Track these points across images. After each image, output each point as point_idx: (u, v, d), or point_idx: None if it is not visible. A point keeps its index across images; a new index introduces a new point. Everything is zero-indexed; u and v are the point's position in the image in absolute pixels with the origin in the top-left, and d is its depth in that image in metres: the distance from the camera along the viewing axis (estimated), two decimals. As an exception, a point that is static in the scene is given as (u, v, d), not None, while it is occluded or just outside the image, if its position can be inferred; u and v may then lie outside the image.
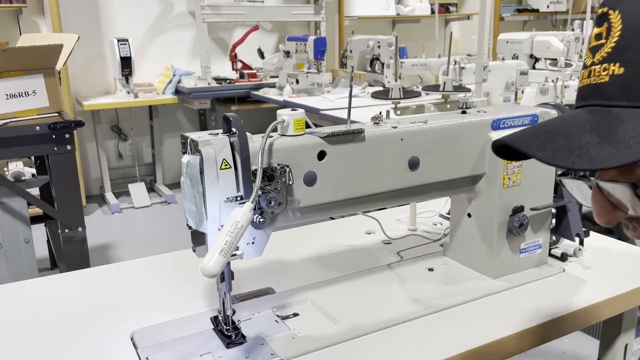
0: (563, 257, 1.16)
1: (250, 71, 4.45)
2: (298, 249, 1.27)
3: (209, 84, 4.25)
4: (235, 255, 0.85)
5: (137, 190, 4.35)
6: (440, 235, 1.34)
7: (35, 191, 2.54)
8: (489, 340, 0.90)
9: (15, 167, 3.18)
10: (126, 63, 3.93)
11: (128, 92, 4.05)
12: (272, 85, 4.17)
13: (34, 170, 2.48)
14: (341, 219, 1.50)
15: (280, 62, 4.09)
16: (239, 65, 4.49)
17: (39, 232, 3.16)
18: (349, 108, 0.96)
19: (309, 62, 3.87)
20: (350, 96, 0.97)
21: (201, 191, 0.82)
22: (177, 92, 4.31)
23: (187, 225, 0.88)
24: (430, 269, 1.15)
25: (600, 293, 1.03)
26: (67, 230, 2.11)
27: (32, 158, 2.65)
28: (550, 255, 1.17)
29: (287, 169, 0.86)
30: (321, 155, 0.91)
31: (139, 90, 4.09)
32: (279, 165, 0.86)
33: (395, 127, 0.97)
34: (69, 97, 3.92)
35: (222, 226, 0.79)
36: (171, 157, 4.86)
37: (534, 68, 3.73)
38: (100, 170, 4.34)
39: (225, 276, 0.87)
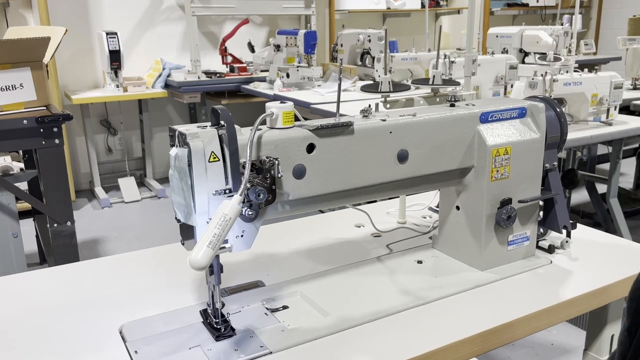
0: (550, 249, 1.17)
1: (241, 65, 4.43)
2: (287, 242, 1.27)
3: (198, 77, 4.23)
4: (224, 248, 0.85)
5: (127, 184, 4.32)
6: (430, 228, 1.34)
7: (23, 185, 2.52)
8: (478, 331, 0.91)
9: (3, 161, 3.15)
10: (115, 57, 3.90)
11: (117, 86, 4.02)
12: (263, 79, 4.16)
13: (22, 165, 2.45)
14: (331, 212, 1.50)
15: (270, 56, 4.08)
16: (229, 59, 4.46)
17: (28, 227, 3.13)
18: (338, 101, 0.96)
19: (299, 56, 3.86)
20: (339, 90, 0.97)
21: (189, 184, 0.82)
22: (166, 86, 4.28)
23: (176, 218, 0.88)
24: (420, 262, 1.15)
25: (587, 284, 1.04)
26: (55, 225, 2.09)
27: (20, 152, 2.63)
28: (538, 247, 1.18)
29: (276, 162, 0.86)
30: (310, 148, 0.91)
31: (129, 84, 4.06)
32: (267, 158, 0.86)
33: (384, 120, 0.97)
34: (57, 91, 3.88)
35: (211, 219, 0.79)
36: (161, 151, 4.84)
37: (523, 62, 3.75)
38: (90, 164, 4.31)
39: (214, 269, 0.87)
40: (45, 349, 0.87)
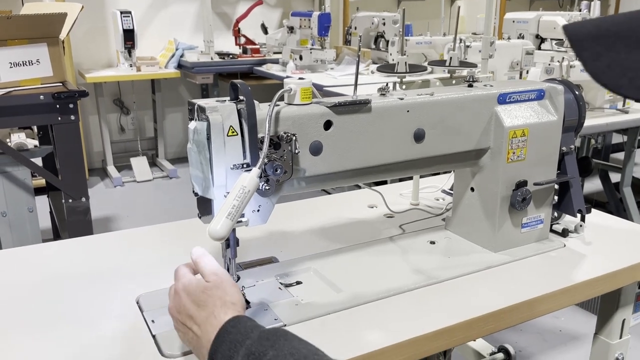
0: (564, 233, 1.17)
1: (254, 46, 4.42)
2: (301, 221, 1.28)
3: (211, 58, 4.22)
4: (240, 222, 0.86)
5: (139, 164, 4.36)
6: (443, 210, 1.35)
7: (38, 162, 2.54)
8: (489, 311, 0.91)
9: (18, 138, 3.18)
10: (129, 36, 3.90)
11: (131, 66, 4.03)
12: (276, 61, 4.15)
13: (36, 142, 2.48)
14: (344, 193, 1.50)
15: (283, 38, 4.06)
16: (242, 40, 4.45)
17: (42, 204, 3.18)
18: (356, 78, 0.96)
19: (312, 38, 3.84)
20: (357, 67, 0.97)
21: (208, 157, 0.83)
22: (179, 66, 4.28)
23: (193, 191, 0.89)
24: (432, 242, 1.16)
25: (599, 268, 1.04)
26: (70, 201, 2.12)
27: (35, 129, 2.65)
28: (552, 231, 1.18)
29: (294, 138, 0.86)
30: (327, 125, 0.91)
31: (142, 64, 4.07)
32: (285, 133, 0.86)
33: (401, 99, 0.97)
34: (71, 69, 3.90)
35: (229, 193, 0.80)
36: (173, 131, 4.86)
37: (539, 49, 3.70)
38: (103, 143, 4.34)
39: (231, 242, 0.88)
40: (64, 316, 0.89)
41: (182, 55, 4.30)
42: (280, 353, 0.61)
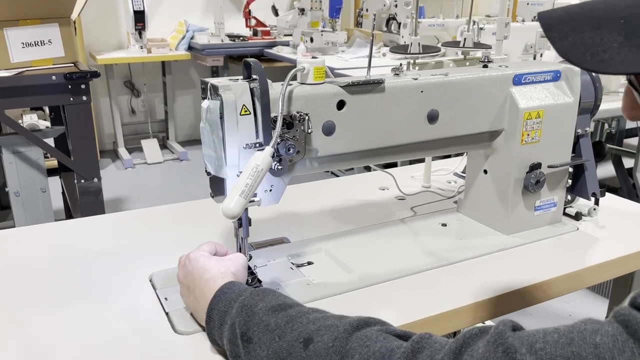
0: (577, 217, 1.16)
1: (264, 28, 4.39)
2: (312, 203, 1.28)
3: (222, 40, 4.20)
4: (253, 201, 0.86)
5: (150, 146, 4.37)
6: (454, 193, 1.34)
7: (50, 143, 2.56)
8: (500, 293, 0.91)
9: (30, 119, 3.20)
10: (139, 17, 3.89)
11: (141, 47, 4.02)
12: (286, 44, 4.12)
13: (48, 123, 2.49)
14: (355, 175, 1.50)
15: (294, 20, 4.03)
16: (253, 22, 4.43)
17: (54, 185, 3.20)
18: (370, 59, 0.95)
19: (323, 20, 3.81)
20: (371, 47, 0.96)
21: (221, 137, 0.83)
22: (190, 48, 4.27)
23: (206, 171, 0.89)
24: (444, 224, 1.16)
25: (612, 251, 1.04)
26: (83, 181, 2.14)
27: (47, 110, 2.67)
28: (565, 214, 1.17)
29: (307, 117, 0.86)
30: (340, 104, 0.91)
31: (152, 46, 4.06)
32: (298, 113, 0.86)
33: (415, 79, 0.96)
34: (82, 50, 3.90)
35: (241, 172, 0.80)
36: (184, 114, 4.86)
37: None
38: (114, 125, 4.36)
39: (243, 222, 0.88)
40: (78, 293, 0.90)
41: (192, 37, 4.28)
42: (268, 304, 0.70)
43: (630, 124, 3.89)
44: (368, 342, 0.59)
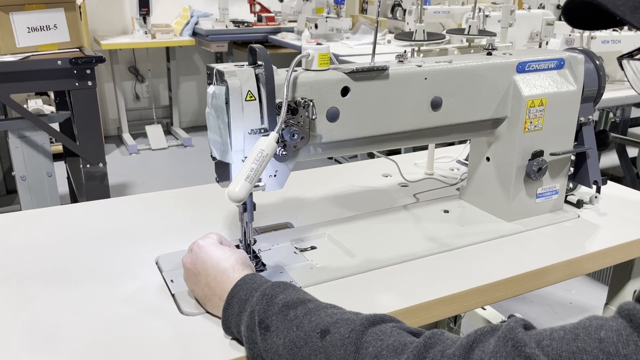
0: (579, 204, 1.17)
1: (269, 14, 4.38)
2: (316, 189, 1.29)
3: (226, 26, 4.20)
4: (258, 186, 0.87)
5: (154, 132, 4.39)
6: (457, 180, 1.35)
7: (55, 128, 2.58)
8: (501, 278, 0.92)
9: (35, 104, 3.21)
10: (144, 2, 3.89)
11: (146, 33, 4.02)
12: (291, 30, 4.11)
13: (53, 108, 2.51)
14: (358, 162, 1.51)
15: (299, 6, 4.01)
16: (257, 8, 4.41)
17: (59, 170, 3.22)
18: (374, 46, 0.95)
19: (328, 7, 3.79)
20: (376, 34, 0.96)
21: (226, 122, 0.84)
22: (194, 34, 4.26)
23: (211, 156, 0.90)
24: (446, 211, 1.17)
25: (613, 238, 1.05)
26: (88, 166, 2.15)
27: (52, 95, 2.68)
28: (566, 201, 1.18)
29: (311, 103, 0.87)
30: (344, 91, 0.91)
31: (157, 31, 4.06)
32: (302, 99, 0.87)
33: (419, 66, 0.97)
34: (87, 35, 3.90)
35: (246, 157, 0.81)
36: (188, 100, 4.87)
37: (560, 19, 3.62)
38: (118, 111, 4.37)
39: (248, 206, 0.90)
40: (85, 274, 0.92)
41: (196, 23, 4.27)
42: (288, 296, 0.72)
43: (635, 113, 3.88)
44: (382, 336, 0.62)
